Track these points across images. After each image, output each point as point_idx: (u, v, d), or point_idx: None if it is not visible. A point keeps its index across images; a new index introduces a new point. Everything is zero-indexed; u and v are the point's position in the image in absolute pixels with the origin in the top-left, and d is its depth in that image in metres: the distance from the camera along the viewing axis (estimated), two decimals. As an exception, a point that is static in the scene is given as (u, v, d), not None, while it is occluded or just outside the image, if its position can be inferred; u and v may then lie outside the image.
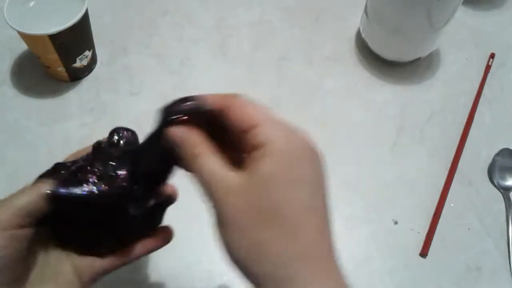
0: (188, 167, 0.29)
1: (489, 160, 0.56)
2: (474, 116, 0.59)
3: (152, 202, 0.35)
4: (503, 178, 0.54)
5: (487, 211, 0.52)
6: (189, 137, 0.29)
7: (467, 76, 0.63)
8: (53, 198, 0.30)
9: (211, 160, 0.28)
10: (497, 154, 0.56)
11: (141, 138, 0.34)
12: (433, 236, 0.50)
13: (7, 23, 0.51)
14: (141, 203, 0.34)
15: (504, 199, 0.53)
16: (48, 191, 0.30)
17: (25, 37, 0.53)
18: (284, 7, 0.69)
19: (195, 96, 0.30)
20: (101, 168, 0.32)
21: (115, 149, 0.34)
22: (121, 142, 0.34)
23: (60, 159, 0.35)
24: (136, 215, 0.33)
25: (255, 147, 0.27)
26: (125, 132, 0.35)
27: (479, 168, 0.55)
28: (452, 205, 0.52)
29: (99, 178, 0.32)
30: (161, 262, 0.46)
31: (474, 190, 0.54)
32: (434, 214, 0.51)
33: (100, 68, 0.61)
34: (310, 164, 0.29)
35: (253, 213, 0.26)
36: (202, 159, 0.28)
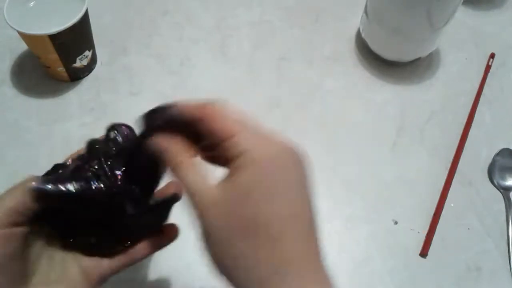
0: (173, 175, 0.29)
1: (489, 160, 0.56)
2: (474, 116, 0.59)
3: (153, 200, 0.35)
4: (503, 178, 0.54)
5: (487, 211, 0.52)
6: (171, 146, 0.29)
7: (467, 76, 0.63)
8: (39, 195, 0.30)
9: (193, 170, 0.28)
10: (497, 154, 0.56)
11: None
12: (433, 236, 0.50)
13: (7, 23, 0.51)
14: (138, 202, 0.34)
15: (504, 199, 0.53)
16: (32, 188, 0.30)
17: (25, 37, 0.53)
18: (284, 7, 0.69)
19: (174, 105, 0.30)
20: (96, 166, 0.32)
21: (112, 144, 0.33)
22: (119, 138, 0.34)
23: (60, 159, 0.35)
24: (134, 214, 0.33)
25: (234, 157, 0.27)
26: (123, 128, 0.35)
27: (479, 168, 0.55)
28: (452, 205, 0.52)
29: (94, 176, 0.32)
30: (161, 261, 0.46)
31: (474, 190, 0.54)
32: (434, 214, 0.51)
33: (100, 68, 0.61)
34: (291, 170, 0.28)
35: (235, 225, 0.26)
36: (184, 168, 0.28)
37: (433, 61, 0.64)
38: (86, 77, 0.60)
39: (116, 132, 0.34)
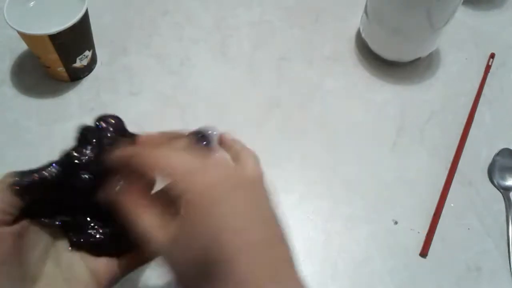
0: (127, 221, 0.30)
1: (489, 160, 0.56)
2: (474, 116, 0.59)
3: None
4: (503, 178, 0.54)
5: (487, 211, 0.52)
6: (121, 198, 0.30)
7: (467, 76, 0.63)
8: (20, 189, 0.30)
9: (142, 218, 0.29)
10: (497, 154, 0.56)
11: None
12: (433, 236, 0.50)
13: (7, 23, 0.51)
14: None
15: (504, 199, 0.53)
16: (10, 183, 0.29)
17: (25, 37, 0.53)
18: (284, 7, 0.69)
19: (107, 155, 0.31)
20: (80, 152, 0.32)
21: (105, 131, 0.33)
22: (110, 128, 0.34)
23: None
24: None
25: (174, 200, 0.28)
26: (110, 118, 0.35)
27: (479, 168, 0.55)
28: (452, 205, 0.52)
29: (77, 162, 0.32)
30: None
31: (474, 190, 0.54)
32: (434, 214, 0.51)
33: (100, 68, 0.61)
34: (231, 196, 0.28)
35: (189, 267, 0.27)
36: (134, 217, 0.29)
37: (433, 61, 0.64)
38: (86, 77, 0.60)
39: (104, 122, 0.34)
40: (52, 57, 0.54)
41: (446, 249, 0.49)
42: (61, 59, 0.55)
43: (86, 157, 0.32)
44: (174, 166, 0.28)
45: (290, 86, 0.61)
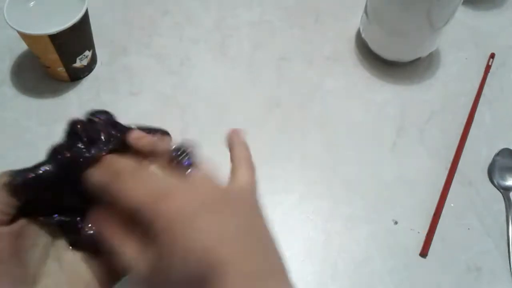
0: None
1: (489, 160, 0.56)
2: (474, 116, 0.59)
3: None
4: (503, 178, 0.54)
5: (487, 211, 0.52)
6: (101, 228, 0.31)
7: (467, 76, 0.63)
8: (16, 189, 0.29)
9: (122, 249, 0.29)
10: (497, 154, 0.56)
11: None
12: (433, 236, 0.50)
13: (7, 23, 0.51)
14: None
15: (504, 199, 0.53)
16: (5, 183, 0.29)
17: (25, 37, 0.53)
18: (284, 7, 0.69)
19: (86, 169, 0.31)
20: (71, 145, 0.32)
21: (92, 126, 0.33)
22: (101, 121, 0.34)
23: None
24: None
25: (146, 229, 0.28)
26: (102, 113, 0.34)
27: (479, 168, 0.55)
28: (452, 205, 0.52)
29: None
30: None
31: (474, 190, 0.54)
32: (434, 214, 0.51)
33: (100, 68, 0.61)
34: (212, 215, 0.28)
35: None
36: (115, 248, 0.29)
37: (433, 61, 0.64)
38: (86, 77, 0.60)
39: (95, 116, 0.34)
40: (52, 57, 0.54)
41: (446, 249, 0.49)
42: (61, 59, 0.55)
43: (77, 152, 0.31)
44: (139, 196, 0.28)
45: (290, 86, 0.61)
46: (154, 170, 0.31)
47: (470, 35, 0.67)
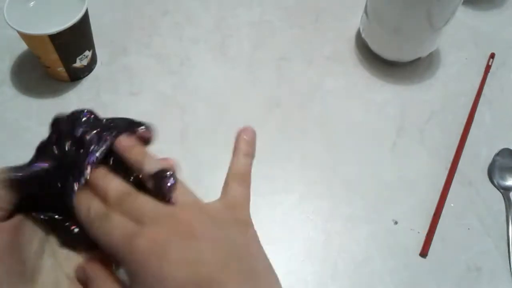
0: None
1: (489, 160, 0.56)
2: (474, 116, 0.59)
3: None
4: (503, 178, 0.54)
5: (487, 211, 0.52)
6: (87, 269, 0.31)
7: (467, 76, 0.63)
8: (14, 184, 0.30)
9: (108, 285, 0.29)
10: (497, 154, 0.56)
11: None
12: (433, 236, 0.50)
13: (7, 23, 0.51)
14: None
15: (504, 199, 0.53)
16: (6, 178, 0.29)
17: (25, 37, 0.53)
18: (284, 7, 0.69)
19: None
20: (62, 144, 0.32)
21: (76, 123, 0.33)
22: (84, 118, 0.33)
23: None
24: None
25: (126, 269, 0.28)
26: (86, 112, 0.34)
27: (479, 168, 0.55)
28: (452, 205, 0.52)
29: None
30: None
31: (474, 190, 0.54)
32: (434, 214, 0.51)
33: (100, 68, 0.61)
34: (184, 248, 0.27)
35: None
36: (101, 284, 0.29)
37: (433, 61, 0.64)
38: (86, 77, 0.60)
39: (80, 114, 0.34)
40: (52, 57, 0.54)
41: (446, 249, 0.49)
42: (61, 59, 0.55)
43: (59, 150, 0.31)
44: (113, 241, 0.28)
45: (290, 86, 0.61)
46: (133, 201, 0.30)
47: (470, 35, 0.67)
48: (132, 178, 0.33)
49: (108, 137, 0.32)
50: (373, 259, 0.49)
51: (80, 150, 0.31)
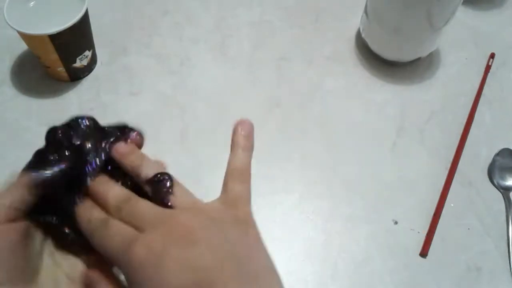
0: None
1: (489, 160, 0.56)
2: (474, 116, 0.59)
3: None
4: (503, 178, 0.54)
5: (487, 211, 0.52)
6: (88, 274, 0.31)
7: (467, 76, 0.63)
8: (36, 186, 0.30)
9: None
10: (497, 154, 0.56)
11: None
12: (433, 236, 0.50)
13: (7, 23, 0.51)
14: None
15: (504, 199, 0.53)
16: (31, 181, 0.30)
17: (25, 37, 0.53)
18: (284, 7, 0.69)
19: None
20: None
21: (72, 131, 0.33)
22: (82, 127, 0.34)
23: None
24: None
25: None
26: (85, 118, 0.34)
27: (479, 168, 0.55)
28: (452, 205, 0.52)
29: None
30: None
31: (474, 190, 0.54)
32: (434, 214, 0.51)
33: (100, 68, 0.61)
34: (181, 255, 0.27)
35: None
36: None
37: (433, 61, 0.64)
38: (86, 77, 0.60)
39: (78, 121, 0.34)
40: (52, 57, 0.54)
41: (446, 249, 0.49)
42: (61, 59, 0.55)
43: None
44: (113, 248, 0.28)
45: (290, 86, 0.61)
46: (131, 205, 0.30)
47: (470, 35, 0.67)
48: (129, 183, 0.33)
49: (106, 145, 0.32)
50: (373, 259, 0.49)
51: (80, 160, 0.32)
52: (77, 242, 0.32)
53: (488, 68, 0.63)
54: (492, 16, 0.70)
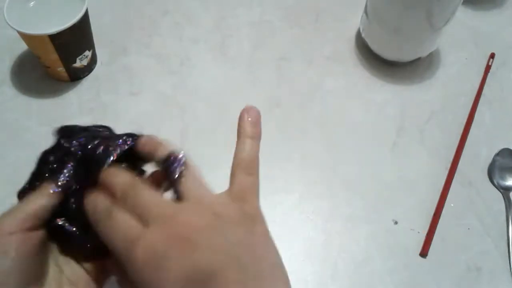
0: None
1: (489, 160, 0.56)
2: (474, 116, 0.59)
3: None
4: (503, 178, 0.54)
5: (487, 211, 0.52)
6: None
7: (467, 76, 0.63)
8: (60, 194, 0.31)
9: None
10: (497, 154, 0.56)
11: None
12: (433, 236, 0.50)
13: (7, 23, 0.51)
14: None
15: (504, 199, 0.53)
16: (53, 191, 0.31)
17: (25, 37, 0.53)
18: (284, 7, 0.69)
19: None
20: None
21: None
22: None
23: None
24: None
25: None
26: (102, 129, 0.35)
27: (479, 168, 0.55)
28: (452, 205, 0.52)
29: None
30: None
31: (474, 190, 0.54)
32: (434, 214, 0.51)
33: (100, 68, 0.61)
34: (182, 254, 0.27)
35: None
36: None
37: (433, 61, 0.64)
38: (86, 77, 0.60)
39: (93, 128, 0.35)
40: (52, 57, 0.54)
41: (446, 249, 0.49)
42: (61, 59, 0.55)
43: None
44: (117, 241, 0.28)
45: (290, 86, 0.61)
46: (138, 196, 0.30)
47: (470, 35, 0.67)
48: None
49: (123, 144, 0.33)
50: (373, 259, 0.49)
51: (95, 160, 0.32)
52: (83, 244, 0.32)
53: (488, 68, 0.63)
54: (492, 16, 0.70)
